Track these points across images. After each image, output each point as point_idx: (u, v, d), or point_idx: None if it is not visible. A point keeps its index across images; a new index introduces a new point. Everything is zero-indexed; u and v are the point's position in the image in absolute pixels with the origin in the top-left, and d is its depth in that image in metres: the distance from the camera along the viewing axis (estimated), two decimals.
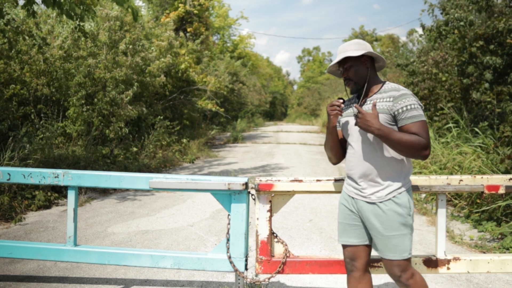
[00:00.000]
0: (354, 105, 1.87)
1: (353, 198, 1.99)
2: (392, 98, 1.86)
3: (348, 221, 2.02)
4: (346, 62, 1.96)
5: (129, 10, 4.26)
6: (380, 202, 1.89)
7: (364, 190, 1.93)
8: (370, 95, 1.96)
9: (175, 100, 10.89)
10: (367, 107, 1.92)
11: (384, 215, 1.88)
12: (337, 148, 2.05)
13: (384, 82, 1.98)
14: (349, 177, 2.02)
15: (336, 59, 1.96)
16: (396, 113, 1.84)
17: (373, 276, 2.97)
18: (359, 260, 2.01)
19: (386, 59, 11.97)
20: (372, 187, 1.91)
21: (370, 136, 1.91)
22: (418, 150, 1.79)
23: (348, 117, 2.00)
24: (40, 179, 2.61)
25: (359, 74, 1.95)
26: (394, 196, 1.88)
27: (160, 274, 3.01)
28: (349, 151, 2.00)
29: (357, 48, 1.94)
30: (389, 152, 1.90)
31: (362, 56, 1.94)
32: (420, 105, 1.87)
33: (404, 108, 1.83)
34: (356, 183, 1.96)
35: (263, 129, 23.19)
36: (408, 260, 1.90)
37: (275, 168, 8.23)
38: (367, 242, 2.00)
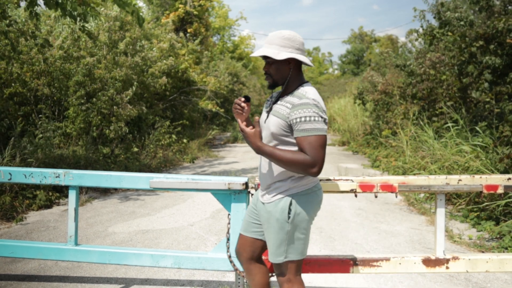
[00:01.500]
0: (256, 118, 1.80)
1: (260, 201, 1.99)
2: (291, 106, 1.76)
3: (248, 216, 2.07)
4: (266, 56, 1.82)
5: (134, 14, 4.26)
6: (268, 203, 1.87)
7: (262, 189, 1.95)
8: (284, 95, 1.86)
9: (176, 101, 10.90)
10: (278, 107, 1.83)
11: (266, 217, 1.87)
12: None
13: (302, 83, 1.86)
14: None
15: (258, 51, 1.82)
16: (291, 122, 1.76)
17: (373, 276, 2.99)
18: (244, 253, 2.06)
19: (385, 59, 11.99)
20: (264, 188, 1.92)
21: (265, 138, 1.87)
22: (302, 169, 1.71)
23: (264, 113, 1.95)
24: (41, 179, 2.62)
25: (280, 73, 1.83)
26: (278, 200, 1.84)
27: (161, 274, 3.02)
28: None
29: (284, 45, 1.79)
30: None
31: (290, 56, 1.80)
32: (319, 117, 1.73)
33: (299, 120, 1.72)
34: (259, 181, 2.03)
35: None
36: (287, 264, 1.86)
37: None
38: (258, 237, 2.02)
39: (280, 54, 1.78)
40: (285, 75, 1.84)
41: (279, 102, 1.85)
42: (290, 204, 1.81)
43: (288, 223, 1.81)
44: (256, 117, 1.77)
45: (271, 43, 1.81)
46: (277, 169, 1.85)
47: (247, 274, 2.09)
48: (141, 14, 4.43)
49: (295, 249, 1.84)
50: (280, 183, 1.84)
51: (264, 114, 1.94)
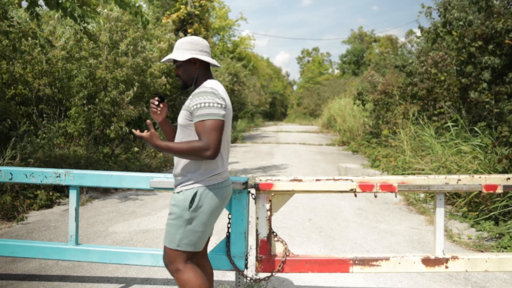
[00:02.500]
0: (148, 121, 1.89)
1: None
2: (192, 96, 1.92)
3: None
4: (175, 60, 2.01)
5: (138, 16, 4.27)
6: (177, 192, 1.96)
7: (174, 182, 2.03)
8: (192, 91, 2.02)
9: (176, 101, 10.91)
10: (186, 102, 1.98)
11: (172, 204, 1.95)
12: (173, 140, 2.10)
13: (207, 80, 2.00)
14: None
15: (167, 57, 1.99)
16: (190, 110, 1.89)
17: (373, 275, 3.01)
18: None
19: (384, 59, 12.01)
20: (175, 178, 2.00)
21: (178, 132, 1.99)
22: (197, 155, 1.82)
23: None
24: (42, 179, 2.63)
25: (187, 74, 1.99)
26: (185, 190, 1.92)
27: (161, 273, 3.03)
28: None
29: (188, 48, 1.97)
30: None
31: (192, 58, 1.97)
32: (215, 103, 1.84)
33: (195, 106, 1.85)
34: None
35: (263, 129, 23.21)
36: (178, 252, 1.92)
37: (275, 167, 8.25)
38: None
39: (184, 56, 1.95)
40: (192, 75, 2.00)
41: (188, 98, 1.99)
42: (195, 195, 1.90)
43: (188, 212, 1.89)
44: (148, 121, 1.87)
45: (178, 48, 1.99)
46: (185, 161, 1.94)
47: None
48: (145, 16, 4.43)
49: (189, 240, 1.91)
50: (190, 175, 1.92)
51: None
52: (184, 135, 1.95)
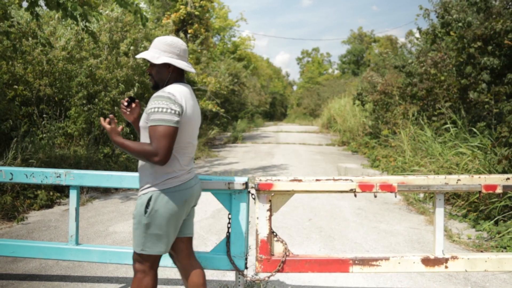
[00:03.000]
0: (110, 116, 1.98)
1: None
2: (150, 99, 1.95)
3: None
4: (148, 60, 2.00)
5: (138, 14, 4.28)
6: (138, 196, 2.00)
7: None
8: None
9: None
10: None
11: (135, 208, 1.99)
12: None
13: (174, 84, 2.00)
14: None
15: (142, 53, 1.99)
16: (147, 113, 1.92)
17: (373, 275, 3.01)
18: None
19: (384, 60, 12.01)
20: (140, 181, 2.02)
21: (141, 132, 2.00)
22: (146, 158, 1.86)
23: None
24: (42, 179, 2.64)
25: (160, 76, 2.00)
26: (142, 194, 1.97)
27: (161, 273, 3.04)
28: None
29: (166, 50, 1.96)
30: None
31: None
32: (168, 109, 1.84)
33: (150, 110, 1.88)
34: None
35: (263, 129, 23.22)
36: (144, 256, 1.98)
37: (275, 167, 8.26)
38: (179, 235, 2.10)
39: (159, 59, 1.94)
40: (164, 78, 1.99)
41: None
42: (149, 199, 1.92)
43: (145, 217, 1.92)
44: (111, 115, 1.98)
45: (155, 47, 1.98)
46: (143, 165, 1.99)
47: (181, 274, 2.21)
48: (144, 13, 4.44)
49: (152, 244, 1.95)
50: (146, 179, 1.96)
51: None
52: (145, 137, 1.97)
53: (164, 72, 1.98)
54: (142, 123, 1.97)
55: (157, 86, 2.02)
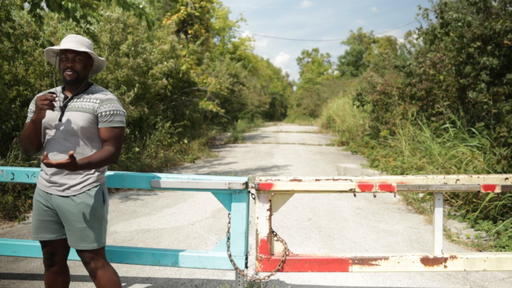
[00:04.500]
0: (58, 161, 1.81)
1: (48, 193, 2.02)
2: (99, 101, 2.01)
3: (44, 217, 2.05)
4: (79, 54, 1.99)
5: (143, 18, 4.30)
6: (74, 195, 1.99)
7: (60, 183, 1.99)
8: (80, 93, 2.05)
9: (177, 101, 10.94)
10: (80, 104, 2.00)
11: (79, 208, 1.98)
12: (38, 140, 2.03)
13: (92, 84, 2.11)
14: (43, 169, 2.05)
15: (71, 45, 1.94)
16: (99, 115, 2.00)
17: (372, 275, 3.03)
18: (58, 255, 2.11)
19: (384, 60, 12.04)
20: (68, 180, 1.99)
21: (67, 133, 1.98)
22: (112, 162, 2.02)
23: (53, 112, 1.99)
24: None
25: (85, 71, 2.04)
26: (88, 189, 2.01)
27: (162, 272, 3.06)
28: (49, 143, 2.01)
29: (89, 47, 2.03)
30: (84, 150, 2.01)
31: (91, 57, 2.05)
32: (122, 112, 2.05)
33: (108, 113, 1.99)
34: (46, 175, 2.01)
35: (263, 130, 23.23)
36: (99, 250, 2.04)
37: (275, 167, 8.28)
38: (64, 237, 2.08)
39: (93, 53, 2.03)
40: (87, 74, 2.07)
41: (77, 100, 2.02)
42: (102, 192, 2.07)
43: (103, 209, 2.06)
44: (71, 152, 1.80)
45: (79, 43, 2.00)
46: (77, 157, 1.99)
47: (54, 277, 2.13)
48: (150, 17, 4.45)
49: (105, 234, 2.09)
50: (88, 175, 2.02)
51: (53, 113, 1.99)
52: (85, 138, 1.98)
53: (88, 69, 2.06)
54: (85, 123, 1.96)
55: (76, 82, 2.01)
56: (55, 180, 2.00)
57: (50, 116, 1.99)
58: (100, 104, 2.00)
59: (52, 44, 5.27)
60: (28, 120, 2.05)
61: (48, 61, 6.59)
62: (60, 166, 1.82)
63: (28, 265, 3.17)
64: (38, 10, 4.08)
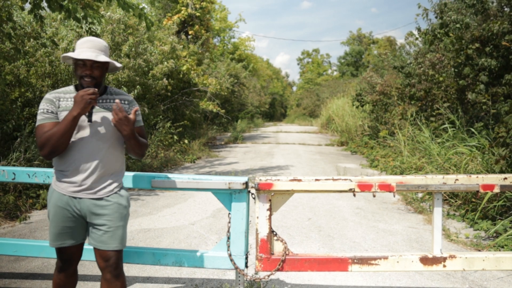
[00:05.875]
0: (117, 101, 1.92)
1: (76, 198, 1.96)
2: (127, 102, 2.09)
3: (68, 224, 1.98)
4: (98, 61, 1.94)
5: (142, 18, 4.30)
6: (108, 196, 2.00)
7: (92, 186, 1.96)
8: (104, 95, 2.06)
9: (177, 101, 10.96)
10: (99, 105, 2.00)
11: (111, 208, 2.00)
12: (70, 139, 1.92)
13: (107, 86, 2.13)
14: (70, 175, 1.95)
15: (90, 54, 1.90)
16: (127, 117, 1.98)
17: (371, 274, 3.04)
18: (75, 260, 2.12)
19: (383, 61, 12.07)
20: (99, 183, 1.98)
21: (105, 134, 1.98)
22: (144, 149, 2.09)
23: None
24: (44, 179, 2.65)
25: (103, 77, 2.02)
26: (118, 190, 2.05)
27: (162, 272, 3.07)
28: (78, 146, 1.95)
29: (107, 53, 2.04)
30: (118, 151, 2.06)
31: (108, 62, 1.99)
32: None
33: (137, 112, 2.06)
34: (76, 180, 1.95)
35: (263, 130, 23.24)
36: (122, 251, 2.06)
37: (275, 167, 8.29)
38: (83, 241, 2.09)
39: (115, 61, 2.09)
40: (104, 80, 2.09)
41: (102, 101, 2.02)
42: (127, 194, 2.11)
43: (129, 210, 2.11)
44: (117, 101, 1.93)
45: (102, 51, 1.99)
46: (114, 161, 2.04)
47: (69, 278, 2.12)
48: (149, 18, 4.46)
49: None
50: (116, 177, 2.06)
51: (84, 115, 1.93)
52: (112, 138, 2.00)
53: (105, 74, 2.07)
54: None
55: (94, 86, 1.95)
56: (87, 183, 1.95)
57: (84, 118, 1.97)
58: (129, 106, 2.08)
59: (55, 42, 5.29)
60: (48, 121, 1.92)
61: (49, 62, 6.61)
62: (126, 120, 1.91)
63: (29, 265, 3.18)
64: (39, 11, 4.09)
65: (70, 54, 1.94)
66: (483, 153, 5.00)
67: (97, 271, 3.07)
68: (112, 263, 1.99)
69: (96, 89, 1.90)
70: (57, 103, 1.96)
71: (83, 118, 1.94)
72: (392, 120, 9.15)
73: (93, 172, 1.96)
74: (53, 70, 6.68)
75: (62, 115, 1.94)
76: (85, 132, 1.95)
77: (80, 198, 1.96)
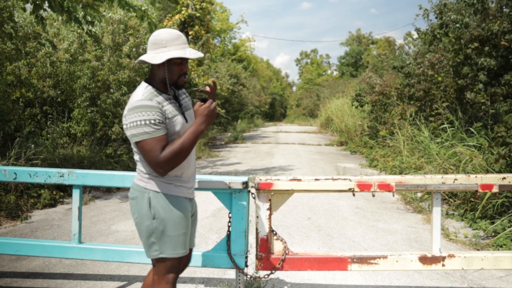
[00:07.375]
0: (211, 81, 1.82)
1: (191, 199, 1.93)
2: (186, 95, 1.95)
3: (190, 227, 1.90)
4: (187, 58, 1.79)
5: (145, 19, 4.31)
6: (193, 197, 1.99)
7: (193, 188, 1.94)
8: (177, 90, 1.89)
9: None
10: (184, 102, 1.89)
11: (196, 209, 2.01)
12: None
13: None
14: (184, 179, 1.85)
15: (195, 54, 1.76)
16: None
17: (371, 273, 3.06)
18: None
19: (382, 61, 12.10)
20: (194, 183, 1.96)
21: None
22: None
23: (178, 115, 1.79)
24: (45, 178, 2.67)
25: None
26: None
27: None
28: None
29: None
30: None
31: None
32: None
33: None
34: (189, 182, 1.88)
35: (263, 130, 23.25)
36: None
37: (275, 167, 8.30)
38: None
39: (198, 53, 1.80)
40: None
41: (182, 98, 1.90)
42: None
43: None
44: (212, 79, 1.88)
45: (186, 44, 1.80)
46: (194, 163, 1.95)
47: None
48: (152, 19, 4.47)
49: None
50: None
51: (179, 115, 1.80)
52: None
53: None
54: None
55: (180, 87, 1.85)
56: (193, 183, 1.92)
57: (181, 119, 1.79)
58: (188, 98, 1.94)
59: (54, 44, 5.30)
60: (163, 133, 1.69)
61: (51, 63, 6.61)
62: (212, 111, 1.72)
63: (30, 264, 3.19)
64: (40, 11, 4.10)
65: (174, 53, 1.71)
66: (482, 153, 5.02)
67: (97, 271, 3.09)
68: (186, 262, 2.05)
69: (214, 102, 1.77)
70: (163, 109, 1.73)
71: (181, 120, 1.79)
72: (392, 120, 9.17)
73: (194, 170, 1.93)
74: (54, 70, 6.70)
75: (174, 121, 1.75)
76: None
77: (191, 198, 1.93)
